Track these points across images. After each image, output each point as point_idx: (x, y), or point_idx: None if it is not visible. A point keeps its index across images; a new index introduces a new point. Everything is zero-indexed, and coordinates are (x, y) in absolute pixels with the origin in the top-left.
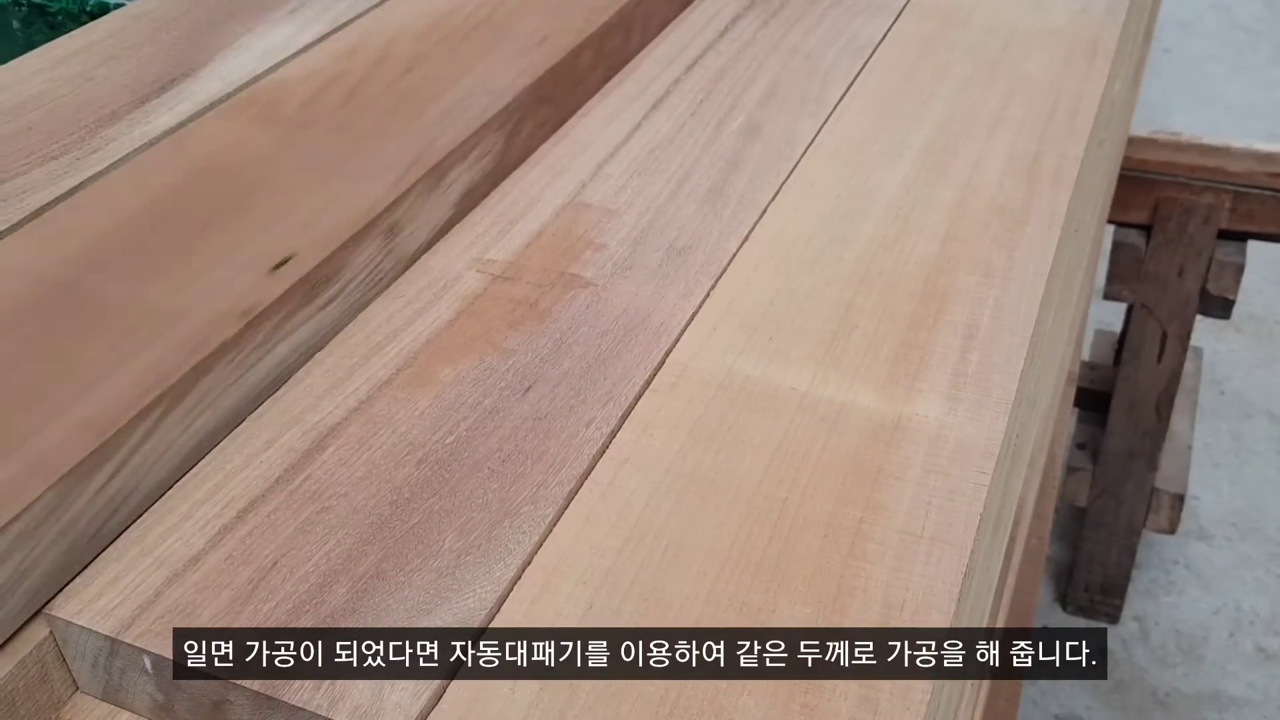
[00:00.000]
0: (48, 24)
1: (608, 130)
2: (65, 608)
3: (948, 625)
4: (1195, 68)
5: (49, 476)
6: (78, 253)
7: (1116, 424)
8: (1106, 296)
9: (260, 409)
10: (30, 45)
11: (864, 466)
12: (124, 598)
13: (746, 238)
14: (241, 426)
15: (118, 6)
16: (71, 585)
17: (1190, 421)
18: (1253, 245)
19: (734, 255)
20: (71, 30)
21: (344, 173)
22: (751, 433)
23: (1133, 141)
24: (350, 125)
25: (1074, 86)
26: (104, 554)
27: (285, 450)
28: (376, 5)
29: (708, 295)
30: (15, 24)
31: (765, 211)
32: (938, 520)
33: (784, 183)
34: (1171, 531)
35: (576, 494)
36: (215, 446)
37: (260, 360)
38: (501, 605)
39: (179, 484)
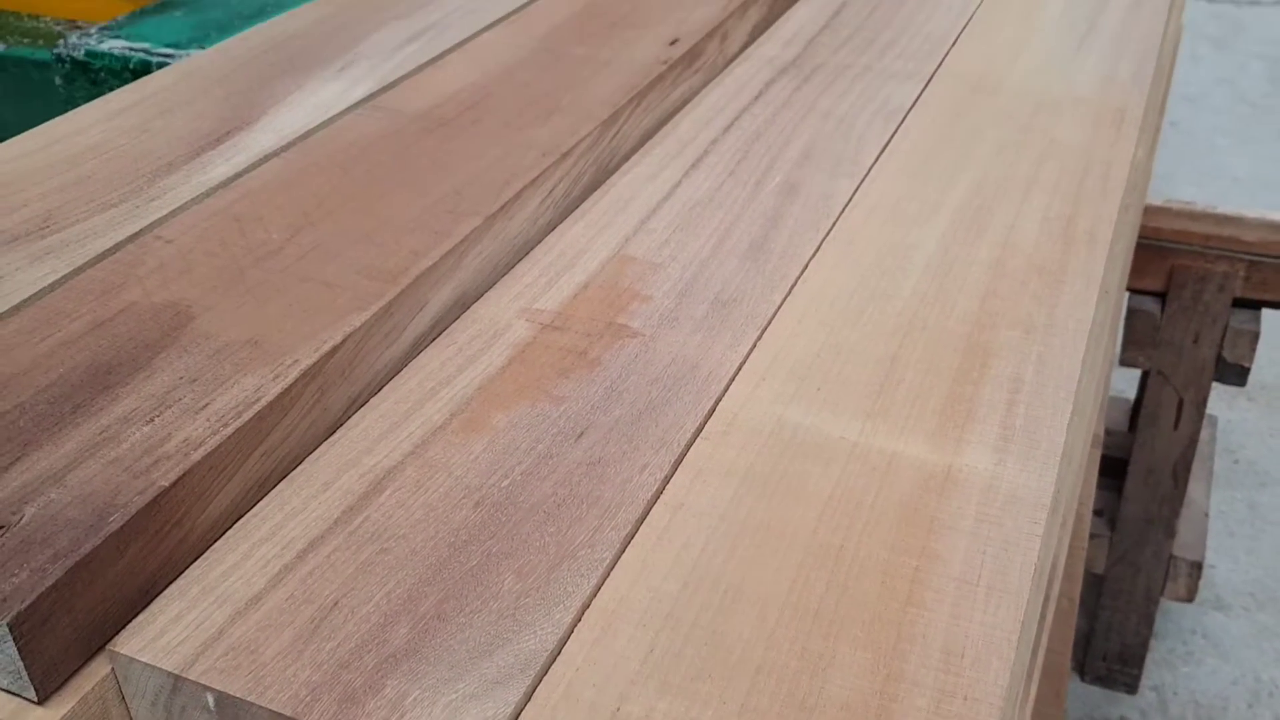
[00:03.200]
0: (90, 80)
1: (649, 187)
2: (128, 644)
3: (1008, 672)
4: (1202, 140)
5: None
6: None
7: (1133, 490)
8: (1122, 362)
9: (316, 452)
10: (71, 101)
11: (917, 515)
12: (187, 634)
13: (790, 291)
14: (299, 469)
15: (160, 65)
16: (134, 622)
17: (1206, 489)
18: (1265, 314)
19: (778, 308)
20: (114, 87)
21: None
22: (804, 481)
23: (1147, 210)
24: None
25: (1103, 153)
26: (166, 591)
27: (343, 492)
28: (426, 64)
29: (754, 346)
30: (58, 80)
31: (807, 267)
32: (993, 569)
33: (824, 239)
34: (1190, 600)
35: (633, 538)
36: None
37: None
38: (563, 647)
39: (238, 524)
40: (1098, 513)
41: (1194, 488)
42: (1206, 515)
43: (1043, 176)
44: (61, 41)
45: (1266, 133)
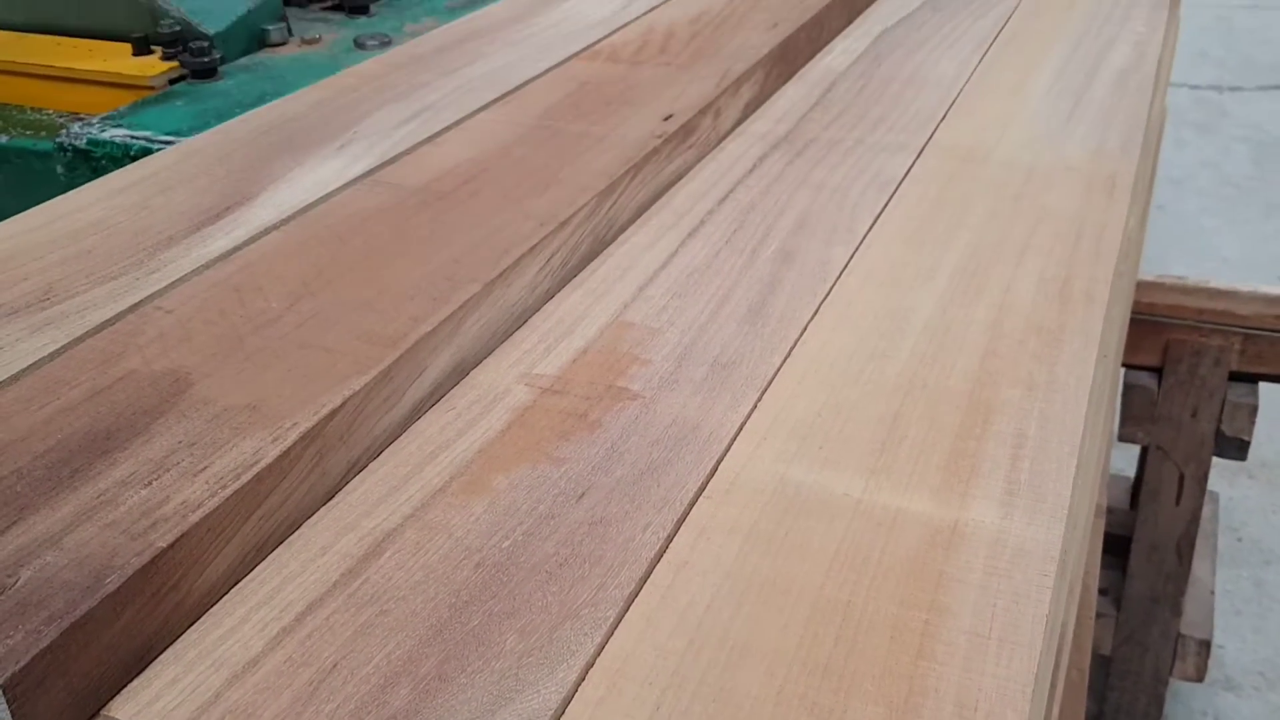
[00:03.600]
0: (91, 168)
1: (647, 256)
2: (124, 709)
3: None
4: (1190, 222)
5: None
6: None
7: (1138, 568)
8: (1121, 438)
9: (315, 516)
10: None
11: (925, 570)
12: (183, 699)
13: (789, 354)
14: (297, 533)
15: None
16: (130, 686)
17: (1211, 566)
18: (1261, 388)
19: (778, 370)
20: None
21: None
22: (809, 537)
23: (1140, 285)
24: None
25: (1096, 218)
26: (162, 656)
27: (341, 555)
28: (424, 142)
29: (755, 407)
30: (59, 169)
31: (805, 330)
32: (1004, 622)
33: (821, 303)
34: (1199, 679)
35: (637, 596)
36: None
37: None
38: (567, 706)
39: (236, 588)
40: (1102, 592)
41: (1199, 565)
42: (1212, 593)
43: (1036, 241)
44: (64, 131)
45: (1252, 214)
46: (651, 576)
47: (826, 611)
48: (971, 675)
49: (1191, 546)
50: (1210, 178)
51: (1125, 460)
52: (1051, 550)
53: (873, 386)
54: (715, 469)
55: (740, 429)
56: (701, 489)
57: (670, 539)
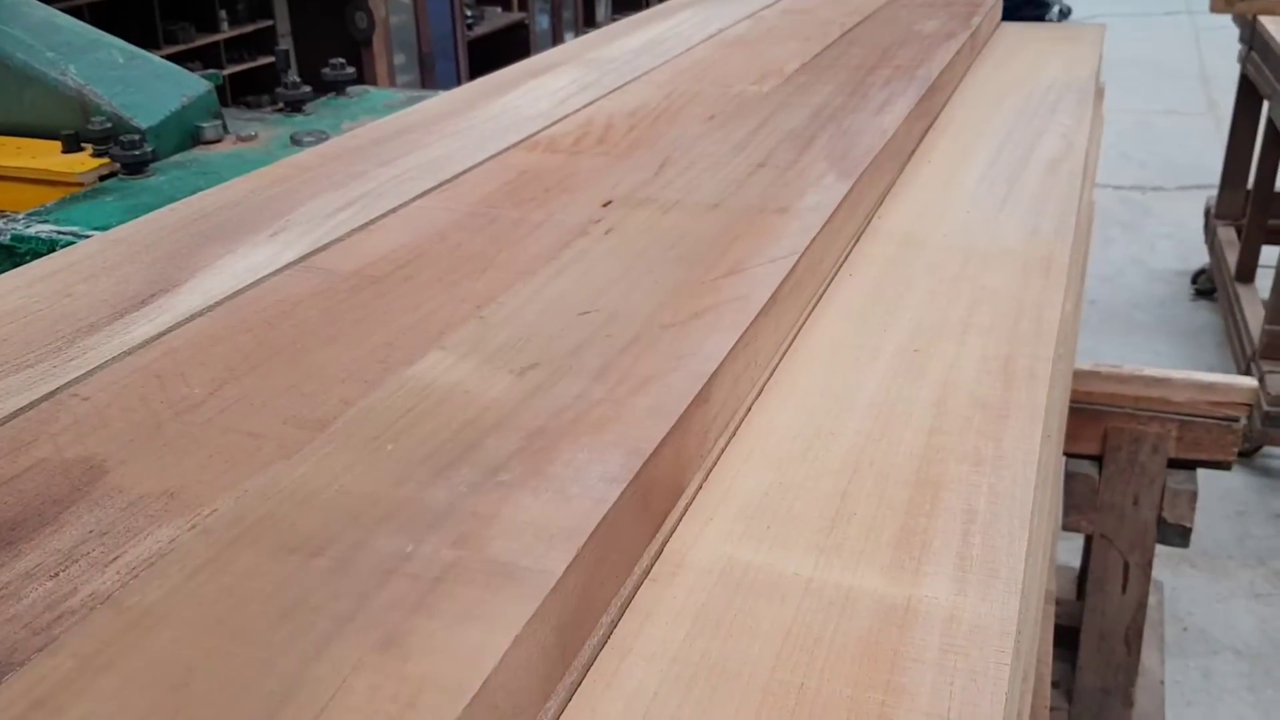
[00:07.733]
0: (14, 265)
1: None
2: None
3: None
4: (1121, 316)
5: None
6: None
7: (1087, 659)
8: (1065, 527)
9: None
10: None
11: (879, 649)
12: None
13: (734, 434)
14: None
15: None
16: None
17: (1159, 656)
18: (1200, 479)
19: (723, 450)
20: None
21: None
22: (759, 619)
23: (1078, 374)
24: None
25: (1034, 298)
26: None
27: None
28: (358, 229)
29: (700, 487)
30: None
31: (749, 410)
32: (962, 700)
33: (765, 382)
34: None
35: (579, 686)
36: None
37: None
38: None
39: None
40: (1054, 684)
41: (1147, 655)
42: (1162, 683)
43: (977, 320)
44: None
45: (1179, 310)
46: (595, 664)
47: (779, 695)
48: None
49: (1139, 635)
50: (1139, 273)
51: (1070, 554)
52: (1008, 625)
53: (820, 465)
54: (660, 551)
55: (685, 509)
56: (646, 572)
57: (614, 624)
